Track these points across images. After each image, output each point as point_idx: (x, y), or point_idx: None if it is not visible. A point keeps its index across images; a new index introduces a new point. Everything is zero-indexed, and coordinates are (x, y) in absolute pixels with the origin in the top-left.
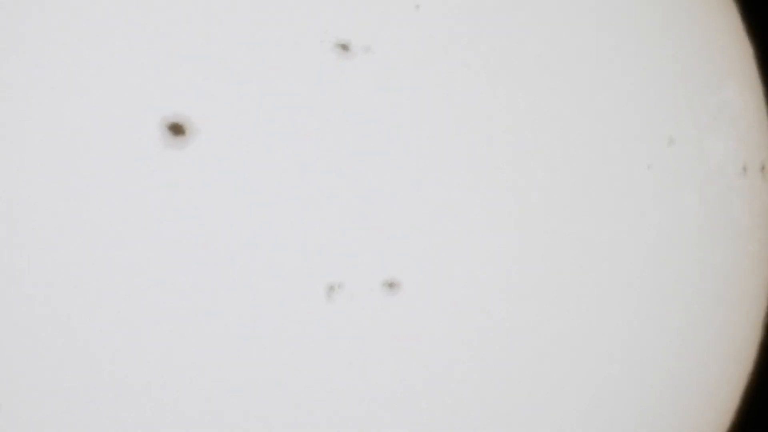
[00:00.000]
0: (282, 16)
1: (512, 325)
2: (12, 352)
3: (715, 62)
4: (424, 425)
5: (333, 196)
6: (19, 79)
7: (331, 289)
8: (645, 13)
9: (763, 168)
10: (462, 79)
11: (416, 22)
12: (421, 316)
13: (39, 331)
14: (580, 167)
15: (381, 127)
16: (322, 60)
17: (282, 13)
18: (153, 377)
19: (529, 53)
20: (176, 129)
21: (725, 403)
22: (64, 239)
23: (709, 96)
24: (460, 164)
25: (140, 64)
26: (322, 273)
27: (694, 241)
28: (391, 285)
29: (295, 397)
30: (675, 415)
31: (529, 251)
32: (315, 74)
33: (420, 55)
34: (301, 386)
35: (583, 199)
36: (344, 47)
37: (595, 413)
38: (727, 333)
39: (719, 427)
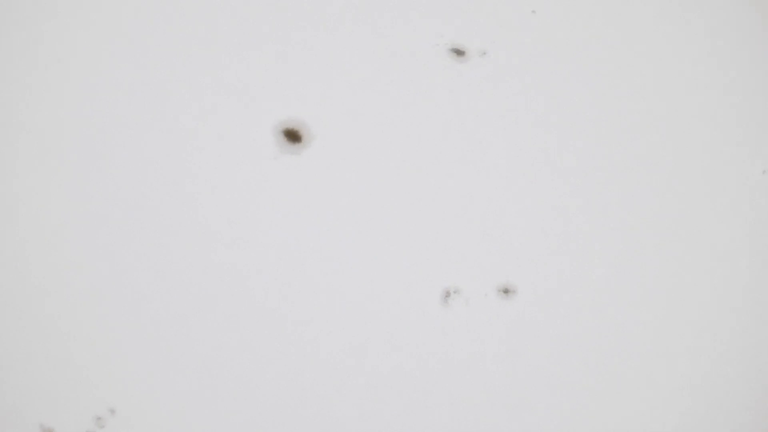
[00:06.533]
0: (398, 23)
1: (627, 328)
2: (126, 358)
3: None
4: (537, 425)
5: (450, 202)
6: (142, 87)
7: (447, 294)
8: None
9: None
10: (578, 83)
11: (532, 26)
12: (535, 321)
13: (154, 337)
14: (695, 171)
15: (496, 136)
16: (437, 65)
17: (398, 20)
18: (276, 376)
19: (651, 56)
20: (293, 135)
21: None
22: (181, 240)
23: None
24: (577, 171)
25: (260, 72)
26: (439, 279)
27: None
28: (506, 291)
29: (411, 396)
30: None
31: (642, 257)
32: (430, 80)
33: (536, 59)
34: (418, 386)
35: (698, 203)
36: (459, 52)
37: (706, 412)
38: None
39: None
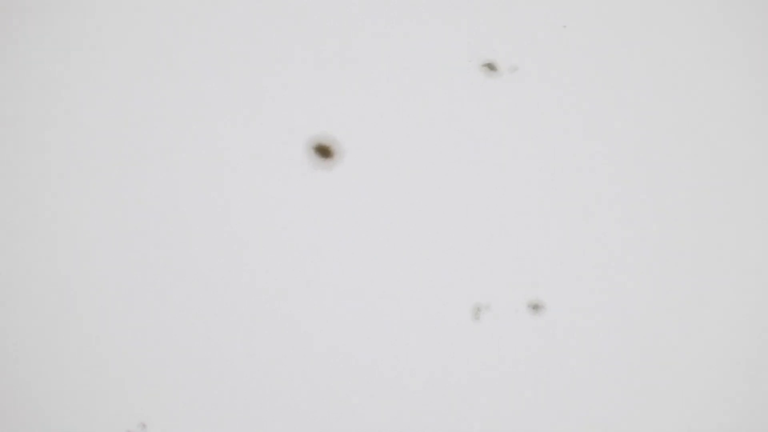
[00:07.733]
0: (430, 39)
1: (658, 344)
2: (158, 373)
3: None
4: None
5: (481, 219)
6: (176, 103)
7: (477, 310)
8: None
9: None
10: (609, 98)
11: (564, 41)
12: (564, 337)
13: (185, 353)
14: (731, 189)
15: (529, 151)
16: (469, 81)
17: (430, 35)
18: (312, 384)
19: (682, 71)
20: (324, 151)
21: None
22: (215, 257)
23: None
24: (609, 188)
25: (294, 89)
26: (469, 294)
27: None
28: (536, 307)
29: (443, 410)
30: None
31: (674, 274)
32: (462, 96)
33: (567, 73)
34: (450, 400)
35: (733, 220)
36: (491, 67)
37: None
38: None
39: None
